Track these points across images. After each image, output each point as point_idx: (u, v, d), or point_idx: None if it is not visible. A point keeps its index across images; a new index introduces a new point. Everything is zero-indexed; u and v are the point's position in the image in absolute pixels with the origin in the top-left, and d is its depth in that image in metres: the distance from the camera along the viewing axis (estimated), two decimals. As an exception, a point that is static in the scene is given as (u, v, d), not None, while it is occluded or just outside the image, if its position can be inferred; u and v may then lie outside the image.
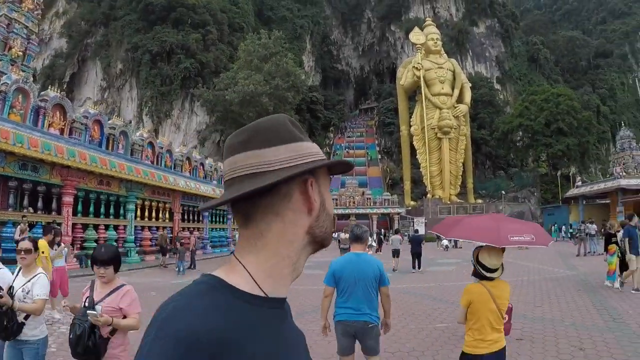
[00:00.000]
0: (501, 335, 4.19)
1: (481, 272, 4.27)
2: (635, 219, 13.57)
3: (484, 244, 4.30)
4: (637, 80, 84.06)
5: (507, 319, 5.12)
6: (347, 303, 4.91)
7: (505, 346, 4.24)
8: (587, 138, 74.78)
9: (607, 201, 53.01)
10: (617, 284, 13.65)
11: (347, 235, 12.99)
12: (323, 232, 1.11)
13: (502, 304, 4.22)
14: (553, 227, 50.34)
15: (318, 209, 1.09)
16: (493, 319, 4.12)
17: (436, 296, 13.55)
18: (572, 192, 57.00)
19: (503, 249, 4.33)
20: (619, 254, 13.79)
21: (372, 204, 65.54)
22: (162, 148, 31.68)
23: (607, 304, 11.14)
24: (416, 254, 20.96)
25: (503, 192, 73.40)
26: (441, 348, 7.79)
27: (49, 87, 24.36)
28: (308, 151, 1.09)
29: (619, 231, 14.15)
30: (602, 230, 32.26)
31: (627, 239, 12.95)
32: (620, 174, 48.88)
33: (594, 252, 26.77)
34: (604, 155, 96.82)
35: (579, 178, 60.29)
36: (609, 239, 14.52)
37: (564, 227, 47.10)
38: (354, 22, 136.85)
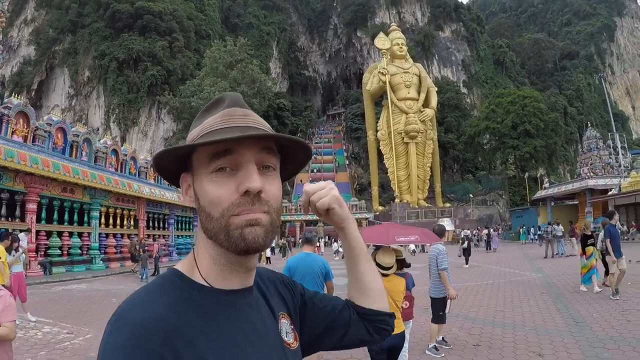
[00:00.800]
0: (399, 321, 5.03)
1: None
2: (616, 217, 12.74)
3: (380, 247, 5.37)
4: (602, 81, 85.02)
5: (408, 305, 5.88)
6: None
7: (403, 330, 5.27)
8: (554, 139, 75.28)
9: (576, 202, 53.93)
10: (596, 287, 13.00)
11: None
12: (203, 228, 1.04)
13: (396, 296, 5.09)
14: (521, 230, 50.61)
15: (196, 206, 1.05)
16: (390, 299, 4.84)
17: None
18: (540, 194, 57.78)
19: (395, 251, 5.40)
20: (599, 255, 13.37)
21: (341, 210, 64.97)
22: (126, 155, 31.61)
23: (570, 307, 11.12)
24: None
25: (471, 195, 74.04)
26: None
27: (15, 95, 24.30)
28: (188, 140, 1.06)
29: (593, 232, 13.84)
30: (570, 231, 32.94)
31: (608, 240, 12.03)
32: (588, 174, 49.70)
33: (562, 254, 26.99)
34: (573, 156, 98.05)
35: (547, 180, 61.07)
36: (584, 241, 13.52)
37: (532, 229, 47.51)
38: (320, 28, 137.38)
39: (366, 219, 63.88)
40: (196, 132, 1.04)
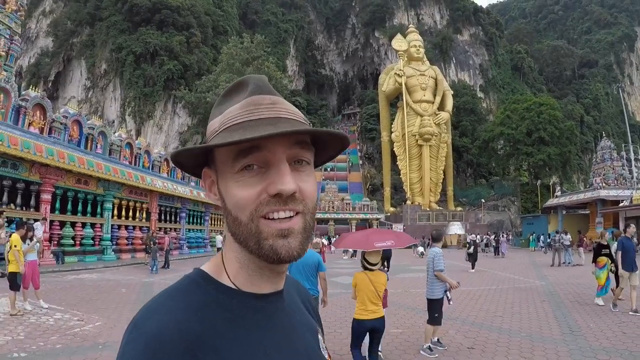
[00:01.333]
0: (379, 308, 6.03)
1: (365, 265, 6.20)
2: (632, 228, 12.07)
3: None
4: (620, 91, 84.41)
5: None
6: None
7: (383, 315, 6.12)
8: (569, 148, 74.97)
9: (587, 212, 53.56)
10: (601, 301, 12.39)
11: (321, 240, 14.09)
12: (230, 231, 0.94)
13: (378, 287, 6.03)
14: (531, 237, 50.67)
15: (222, 206, 0.96)
16: (372, 296, 5.96)
17: (398, 302, 13.14)
18: (552, 202, 57.48)
19: (380, 252, 6.34)
20: (612, 268, 12.46)
21: (351, 209, 65.14)
22: (140, 149, 32.08)
23: (569, 316, 11.07)
24: (385, 258, 21.34)
25: (483, 200, 73.93)
26: (390, 353, 7.82)
27: (33, 87, 24.93)
28: (209, 130, 0.97)
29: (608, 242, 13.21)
30: (578, 241, 32.94)
31: (619, 252, 11.50)
32: (600, 184, 49.27)
33: (569, 263, 26.97)
34: (587, 165, 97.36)
35: (559, 188, 60.78)
36: (599, 250, 12.69)
37: (542, 237, 47.39)
38: (338, 27, 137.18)
39: (377, 219, 63.98)
40: (217, 124, 0.93)
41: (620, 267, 11.51)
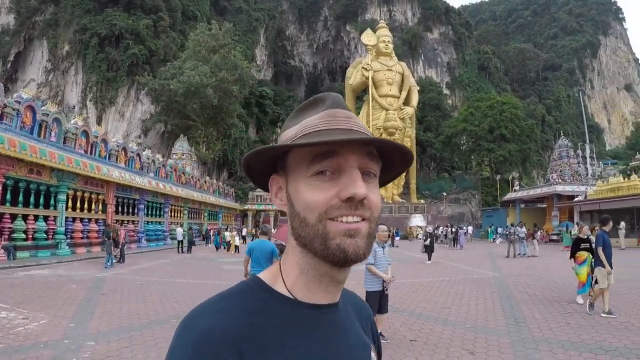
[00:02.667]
0: None
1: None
2: (610, 224, 10.93)
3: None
4: (581, 94, 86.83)
5: None
6: (254, 265, 8.40)
7: None
8: (529, 145, 76.92)
9: (544, 206, 55.83)
10: (579, 299, 11.73)
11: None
12: (296, 235, 0.96)
13: None
14: (490, 229, 52.16)
15: (288, 209, 0.98)
16: None
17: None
18: (510, 195, 59.28)
19: None
20: (592, 263, 11.31)
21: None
22: (96, 137, 30.62)
23: (516, 307, 11.17)
24: None
25: (444, 193, 75.05)
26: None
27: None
28: (284, 138, 1.01)
29: (589, 236, 11.99)
30: (533, 233, 33.91)
31: (600, 248, 10.35)
32: (557, 180, 51.09)
33: (523, 255, 27.62)
34: (547, 162, 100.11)
35: (517, 183, 62.29)
36: (577, 245, 11.84)
37: (500, 229, 48.82)
38: (310, 19, 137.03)
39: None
40: (293, 132, 0.97)
41: (605, 264, 10.13)
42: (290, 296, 0.97)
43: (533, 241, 30.96)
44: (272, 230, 11.74)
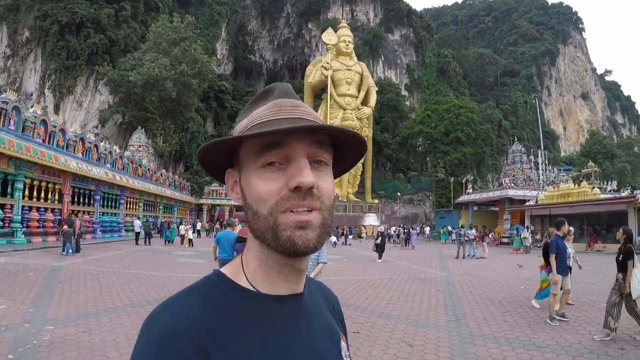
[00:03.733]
0: None
1: (240, 239, 8.71)
2: (566, 227, 10.47)
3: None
4: (537, 100, 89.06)
5: None
6: (222, 251, 10.25)
7: None
8: (484, 149, 78.39)
9: (497, 209, 57.10)
10: (535, 303, 11.33)
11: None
12: (250, 227, 0.97)
13: None
14: (442, 230, 53.14)
15: (243, 203, 1.00)
16: None
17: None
18: (463, 198, 60.48)
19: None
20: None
21: (270, 196, 65.76)
22: (55, 127, 30.44)
23: (458, 305, 11.53)
24: None
25: (399, 193, 76.18)
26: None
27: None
28: (235, 133, 1.01)
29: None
30: (483, 235, 34.94)
31: (553, 255, 9.77)
32: (509, 184, 52.53)
33: (472, 256, 28.29)
34: (502, 166, 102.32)
35: (471, 185, 63.66)
36: (547, 251, 10.75)
37: (453, 231, 49.87)
38: (272, 15, 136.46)
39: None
40: (244, 124, 0.99)
41: (553, 270, 9.71)
42: (252, 289, 0.97)
43: (483, 243, 31.98)
44: (237, 223, 13.14)
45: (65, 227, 22.66)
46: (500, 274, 19.12)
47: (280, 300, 0.98)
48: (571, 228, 11.22)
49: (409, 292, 13.65)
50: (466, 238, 29.41)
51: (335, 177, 1.05)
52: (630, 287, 8.03)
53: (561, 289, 9.93)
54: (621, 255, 8.40)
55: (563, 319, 9.70)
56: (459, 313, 10.48)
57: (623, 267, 8.29)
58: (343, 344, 1.10)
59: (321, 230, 0.94)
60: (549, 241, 10.68)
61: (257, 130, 0.91)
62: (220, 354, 0.85)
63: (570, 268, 10.57)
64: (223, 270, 1.02)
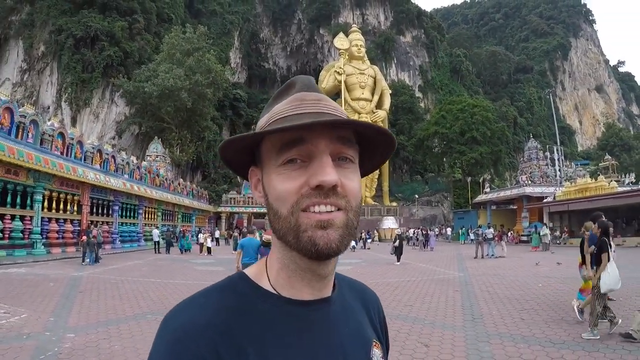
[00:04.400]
0: None
1: (264, 244, 10.30)
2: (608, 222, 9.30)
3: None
4: (552, 96, 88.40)
5: None
6: (245, 256, 10.90)
7: None
8: (500, 147, 77.58)
9: (515, 207, 56.72)
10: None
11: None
12: (272, 228, 0.94)
13: None
14: (461, 231, 52.90)
15: (265, 203, 0.96)
16: None
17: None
18: (481, 197, 60.21)
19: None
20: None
21: (287, 203, 65.93)
22: (72, 139, 30.95)
23: (475, 305, 11.50)
24: None
25: (417, 195, 75.88)
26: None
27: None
28: (262, 122, 0.97)
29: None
30: (501, 234, 34.86)
31: (591, 249, 9.00)
32: (526, 182, 52.17)
33: (491, 255, 28.14)
34: (519, 163, 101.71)
35: (488, 185, 63.34)
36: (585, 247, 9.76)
37: (470, 231, 49.53)
38: (284, 22, 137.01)
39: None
40: (264, 120, 0.95)
41: (588, 266, 9.07)
42: (274, 292, 0.94)
43: (501, 242, 31.83)
44: (256, 229, 14.61)
45: (85, 237, 23.05)
46: (519, 272, 19.02)
47: (303, 305, 0.94)
48: (610, 222, 9.71)
49: (427, 293, 13.62)
50: (484, 238, 29.34)
51: (362, 176, 1.01)
52: (599, 281, 8.05)
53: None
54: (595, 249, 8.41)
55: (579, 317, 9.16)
56: (475, 313, 10.48)
57: (597, 260, 8.24)
58: (376, 350, 1.03)
59: (344, 232, 0.89)
60: (586, 236, 9.78)
61: (277, 126, 0.86)
62: (234, 357, 0.83)
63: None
64: (246, 271, 1.00)
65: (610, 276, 8.02)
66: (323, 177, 0.85)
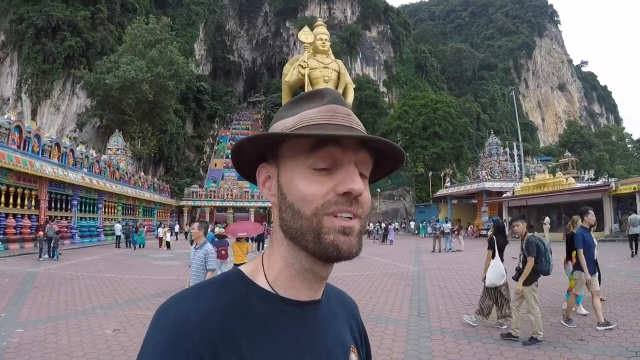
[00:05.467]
0: (244, 258, 11.48)
1: (238, 238, 11.93)
2: (591, 216, 8.77)
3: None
4: (515, 93, 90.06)
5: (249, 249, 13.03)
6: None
7: (246, 261, 9.62)
8: (462, 143, 78.88)
9: (475, 202, 57.90)
10: (581, 309, 9.46)
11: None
12: (286, 227, 0.94)
13: (243, 249, 11.81)
14: (422, 224, 53.61)
15: (277, 199, 0.97)
16: (240, 253, 11.63)
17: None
18: (441, 192, 61.25)
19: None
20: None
21: (250, 198, 66.55)
22: (30, 132, 30.36)
23: (423, 299, 11.60)
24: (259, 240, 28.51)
25: (379, 190, 76.59)
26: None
27: None
28: (278, 128, 0.98)
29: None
30: (458, 226, 35.59)
31: (581, 250, 8.42)
32: (486, 177, 53.23)
33: (449, 249, 28.89)
34: (480, 159, 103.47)
35: (449, 179, 64.34)
36: (571, 242, 9.19)
37: (438, 224, 50.22)
38: (250, 14, 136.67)
39: (276, 209, 65.36)
40: (291, 122, 0.95)
41: (584, 270, 8.33)
42: (271, 290, 0.96)
43: (458, 236, 32.57)
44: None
45: (41, 232, 22.98)
46: (473, 266, 19.29)
47: (298, 305, 0.97)
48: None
49: (378, 288, 13.76)
50: (441, 231, 29.94)
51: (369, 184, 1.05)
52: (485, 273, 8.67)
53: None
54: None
55: (608, 326, 8.15)
56: (422, 308, 10.63)
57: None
58: (353, 355, 1.07)
59: (360, 238, 0.93)
60: (574, 231, 9.27)
61: (314, 132, 0.89)
62: (228, 353, 0.84)
63: (596, 263, 8.79)
64: (242, 268, 1.01)
65: (493, 272, 8.52)
66: (352, 185, 0.88)
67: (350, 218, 0.91)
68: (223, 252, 12.60)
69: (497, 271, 8.47)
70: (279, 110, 1.02)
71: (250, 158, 1.01)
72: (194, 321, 0.84)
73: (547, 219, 37.04)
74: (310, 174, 0.91)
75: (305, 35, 61.34)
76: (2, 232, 26.89)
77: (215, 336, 0.84)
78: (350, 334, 1.12)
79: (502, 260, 8.72)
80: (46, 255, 22.37)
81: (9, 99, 67.18)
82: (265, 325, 0.90)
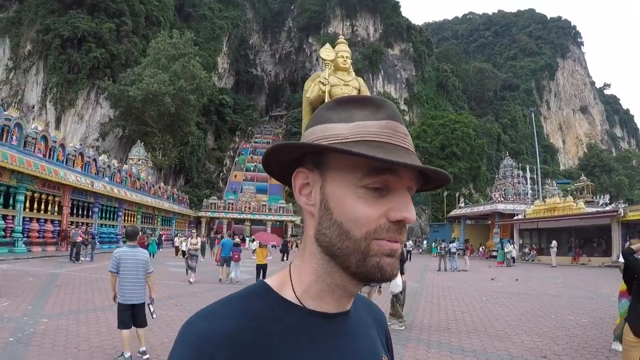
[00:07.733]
0: (265, 259, 17.35)
1: (260, 244, 18.82)
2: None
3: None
4: (533, 114, 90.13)
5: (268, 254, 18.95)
6: (223, 251, 18.63)
7: (267, 263, 17.38)
8: (479, 163, 79.21)
9: (488, 222, 58.06)
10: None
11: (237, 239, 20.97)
12: (327, 243, 0.88)
13: (265, 253, 17.74)
14: (434, 243, 54.05)
15: (318, 211, 0.90)
16: (262, 255, 17.37)
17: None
18: (455, 212, 61.78)
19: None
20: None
21: (267, 211, 67.67)
22: (55, 142, 31.67)
23: (413, 314, 12.23)
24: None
25: (395, 208, 76.91)
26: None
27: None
28: (327, 133, 0.89)
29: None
30: (466, 247, 35.91)
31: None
32: (499, 199, 53.55)
33: (455, 269, 29.23)
34: (495, 180, 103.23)
35: (463, 200, 64.67)
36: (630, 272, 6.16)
37: (444, 244, 50.50)
38: (274, 29, 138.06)
39: (292, 221, 66.18)
40: (346, 130, 0.87)
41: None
42: (299, 303, 0.92)
43: (464, 257, 33.07)
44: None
45: (80, 238, 24.82)
46: (471, 286, 19.91)
47: (328, 317, 0.94)
48: None
49: (374, 300, 14.16)
50: (447, 251, 30.59)
51: None
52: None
53: None
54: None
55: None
56: (409, 320, 11.25)
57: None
58: None
59: (398, 259, 0.92)
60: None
61: (375, 150, 0.82)
62: None
63: None
64: (268, 280, 0.98)
65: (394, 282, 10.27)
66: (407, 214, 0.86)
67: (397, 242, 0.88)
68: (236, 255, 18.24)
69: (394, 281, 10.39)
70: (320, 109, 0.95)
71: (284, 159, 0.96)
72: (217, 338, 0.82)
73: (554, 242, 37.51)
74: (365, 194, 0.86)
75: (326, 52, 62.04)
76: (26, 235, 28.07)
77: (240, 352, 0.81)
78: (381, 344, 1.11)
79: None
80: (83, 258, 23.95)
81: (34, 107, 68.69)
82: (292, 339, 0.87)
